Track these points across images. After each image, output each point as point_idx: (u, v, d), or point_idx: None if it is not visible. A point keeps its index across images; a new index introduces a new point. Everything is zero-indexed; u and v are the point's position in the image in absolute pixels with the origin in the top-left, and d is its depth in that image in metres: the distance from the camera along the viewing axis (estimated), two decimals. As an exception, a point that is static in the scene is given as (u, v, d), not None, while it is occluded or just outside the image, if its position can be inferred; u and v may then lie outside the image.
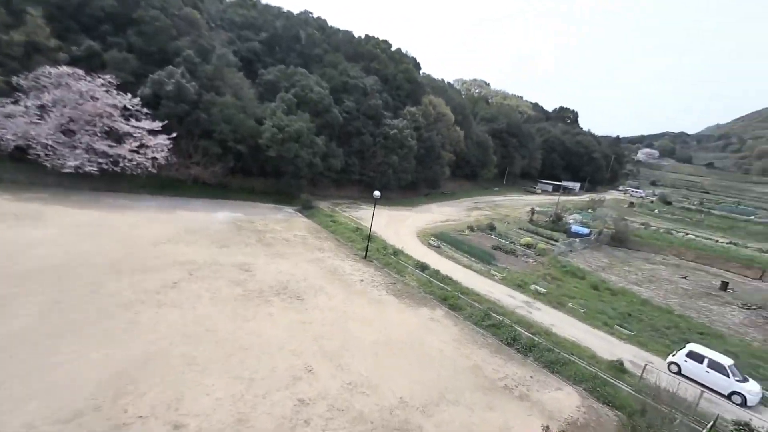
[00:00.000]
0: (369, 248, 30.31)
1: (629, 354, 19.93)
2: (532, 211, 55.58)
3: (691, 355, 18.12)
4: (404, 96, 61.78)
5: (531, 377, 17.27)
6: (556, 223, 51.04)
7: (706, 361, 17.63)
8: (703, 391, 15.54)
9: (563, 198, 77.98)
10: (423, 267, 28.35)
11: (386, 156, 51.13)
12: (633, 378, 17.47)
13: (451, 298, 23.82)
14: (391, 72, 60.72)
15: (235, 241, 28.59)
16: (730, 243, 51.69)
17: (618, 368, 17.96)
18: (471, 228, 43.29)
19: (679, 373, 18.25)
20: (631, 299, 28.29)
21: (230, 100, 38.23)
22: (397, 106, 58.92)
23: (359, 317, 20.38)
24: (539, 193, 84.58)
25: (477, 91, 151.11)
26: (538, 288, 27.20)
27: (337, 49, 57.25)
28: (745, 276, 39.45)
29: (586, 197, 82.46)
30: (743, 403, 16.45)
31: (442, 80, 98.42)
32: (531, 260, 34.97)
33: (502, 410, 14.82)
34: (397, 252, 31.17)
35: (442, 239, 37.31)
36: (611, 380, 17.24)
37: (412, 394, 14.91)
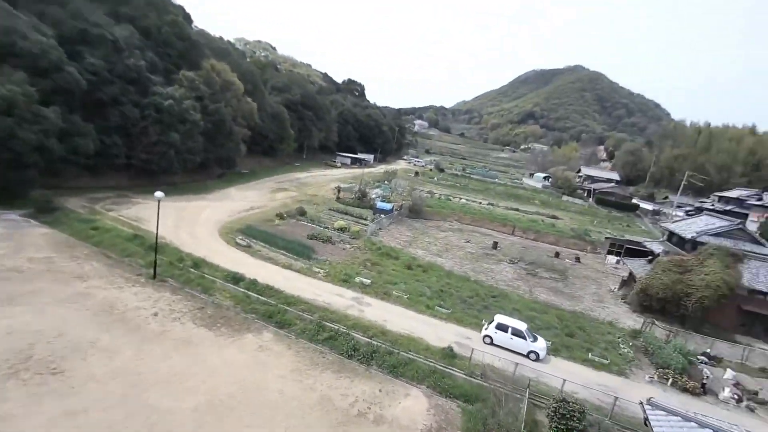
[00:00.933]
0: (158, 263, 24.03)
1: (453, 334, 22.34)
2: (338, 189, 56.91)
3: (499, 326, 21.69)
4: (177, 57, 51.48)
5: (380, 391, 16.98)
6: (362, 199, 53.73)
7: (510, 329, 21.41)
8: (517, 363, 18.67)
9: (362, 170, 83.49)
10: (236, 278, 24.43)
11: (163, 133, 41.81)
12: (463, 361, 19.52)
13: (278, 314, 21.30)
14: (153, 23, 49.09)
15: None
16: (489, 204, 66.77)
17: (449, 355, 19.74)
18: (281, 216, 40.59)
19: (492, 343, 21.60)
20: (438, 273, 32.22)
21: None
22: (168, 70, 48.64)
23: (163, 377, 15.58)
24: (339, 167, 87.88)
25: (263, 54, 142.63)
26: (363, 280, 27.54)
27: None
28: (503, 232, 51.48)
29: (381, 168, 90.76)
30: (537, 359, 20.83)
31: (221, 38, 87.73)
32: (349, 246, 35.38)
33: (363, 447, 13.88)
34: (198, 262, 25.91)
35: (251, 235, 33.39)
36: (447, 369, 18.79)
37: (259, 473, 12.17)
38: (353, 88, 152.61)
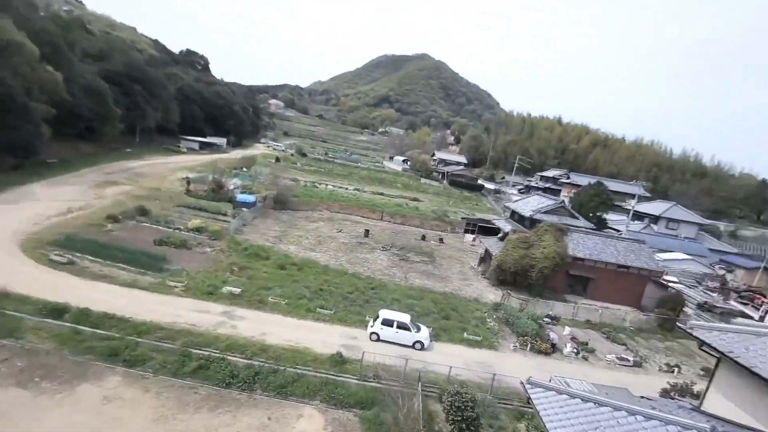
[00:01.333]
0: None
1: (339, 337, 21.79)
2: (188, 181, 50.17)
3: (385, 321, 21.99)
4: None
5: (269, 419, 15.43)
6: (218, 191, 48.48)
7: (395, 323, 21.91)
8: (408, 359, 19.15)
9: (214, 156, 75.63)
10: (57, 310, 19.21)
11: None
12: (354, 365, 19.14)
13: (126, 349, 17.50)
14: None
15: None
16: (356, 189, 67.83)
17: (339, 361, 19.14)
18: (114, 218, 33.63)
19: (378, 339, 21.79)
20: (315, 269, 31.13)
21: None
22: None
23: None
24: (185, 152, 77.77)
25: (65, 8, 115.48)
26: (232, 289, 24.72)
27: None
28: (372, 218, 52.96)
29: (237, 154, 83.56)
30: (422, 348, 21.86)
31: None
32: (209, 250, 31.43)
33: (258, 495, 12.33)
34: (-9, 295, 19.47)
35: (73, 248, 26.67)
36: (339, 378, 18.18)
37: None
38: (194, 61, 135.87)
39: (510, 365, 22.00)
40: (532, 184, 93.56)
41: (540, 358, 23.72)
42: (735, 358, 12.40)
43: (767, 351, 12.34)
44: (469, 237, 49.97)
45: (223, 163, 66.97)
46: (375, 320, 22.39)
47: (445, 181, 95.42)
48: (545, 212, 41.90)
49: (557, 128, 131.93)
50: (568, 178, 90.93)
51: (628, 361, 24.82)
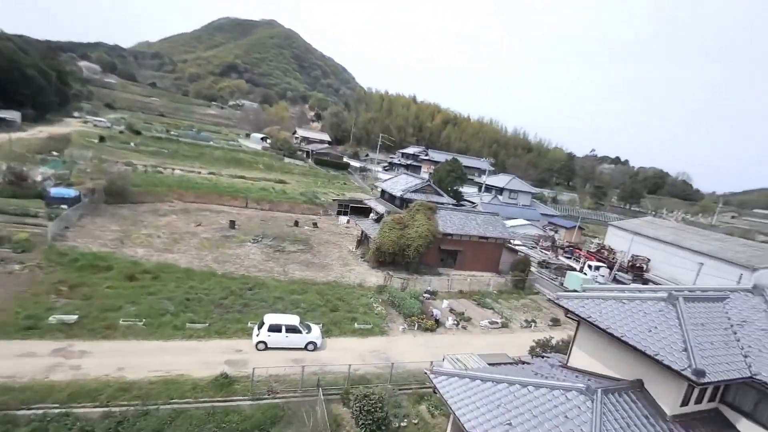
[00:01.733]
0: None
1: (221, 353, 19.43)
2: (-32, 172, 38.14)
3: (272, 327, 20.39)
4: None
5: (145, 476, 12.90)
6: (21, 185, 38.23)
7: (283, 328, 20.49)
8: (304, 366, 18.08)
9: (5, 136, 59.07)
10: None
11: None
12: (244, 383, 17.30)
13: None
14: None
15: None
16: (210, 173, 61.08)
17: (225, 383, 17.09)
18: None
19: (267, 348, 20.18)
20: (175, 275, 27.06)
21: None
22: None
23: None
24: (-44, 132, 58.90)
25: None
26: (63, 317, 19.76)
27: None
28: (236, 206, 48.61)
29: (40, 133, 66.55)
30: (315, 348, 21.02)
31: None
32: (17, 267, 24.46)
33: None
34: None
35: None
36: (229, 402, 16.26)
37: None
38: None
39: (402, 348, 22.89)
40: (395, 161, 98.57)
41: (427, 335, 25.27)
42: (594, 322, 14.83)
43: (614, 312, 15.02)
44: (344, 219, 50.10)
45: (20, 146, 52.94)
46: (260, 327, 20.63)
47: (310, 160, 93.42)
48: (414, 191, 44.22)
49: (413, 106, 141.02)
50: (427, 155, 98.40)
51: (498, 323, 28.33)
